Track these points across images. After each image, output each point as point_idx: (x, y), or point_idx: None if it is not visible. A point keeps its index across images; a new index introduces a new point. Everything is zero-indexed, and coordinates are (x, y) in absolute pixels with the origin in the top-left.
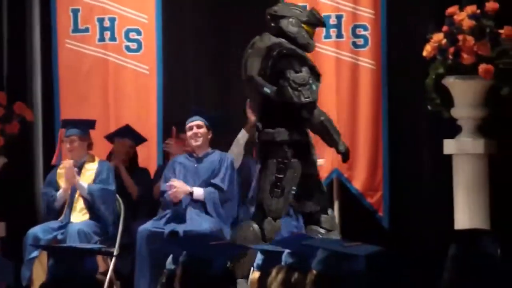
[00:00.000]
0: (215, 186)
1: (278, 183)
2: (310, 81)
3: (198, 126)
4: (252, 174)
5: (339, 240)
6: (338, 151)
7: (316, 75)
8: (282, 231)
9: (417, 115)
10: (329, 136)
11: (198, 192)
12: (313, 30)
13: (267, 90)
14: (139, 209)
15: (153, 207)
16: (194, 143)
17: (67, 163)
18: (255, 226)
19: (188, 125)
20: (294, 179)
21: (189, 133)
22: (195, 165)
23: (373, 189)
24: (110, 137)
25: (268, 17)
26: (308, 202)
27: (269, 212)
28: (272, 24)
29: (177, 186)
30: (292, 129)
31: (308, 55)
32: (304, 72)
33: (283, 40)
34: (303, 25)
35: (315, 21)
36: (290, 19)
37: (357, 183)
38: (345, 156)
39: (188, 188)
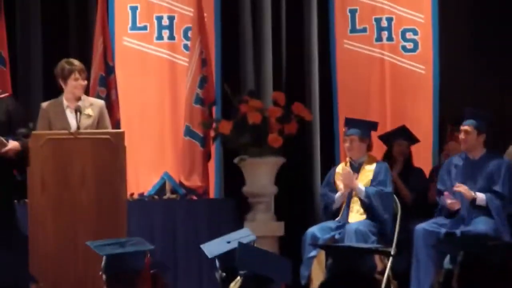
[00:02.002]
0: (496, 193)
1: None
2: None
3: (466, 132)
4: None
5: None
6: None
7: None
8: None
9: None
10: None
11: (481, 197)
12: None
13: None
14: (414, 211)
15: (427, 209)
16: (462, 146)
17: (345, 168)
18: None
19: (460, 128)
20: None
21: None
22: (471, 169)
23: None
24: (384, 138)
25: None
26: None
27: None
28: None
29: (462, 191)
30: None
31: None
32: None
33: None
34: None
35: None
36: None
37: None
38: None
39: (471, 194)
